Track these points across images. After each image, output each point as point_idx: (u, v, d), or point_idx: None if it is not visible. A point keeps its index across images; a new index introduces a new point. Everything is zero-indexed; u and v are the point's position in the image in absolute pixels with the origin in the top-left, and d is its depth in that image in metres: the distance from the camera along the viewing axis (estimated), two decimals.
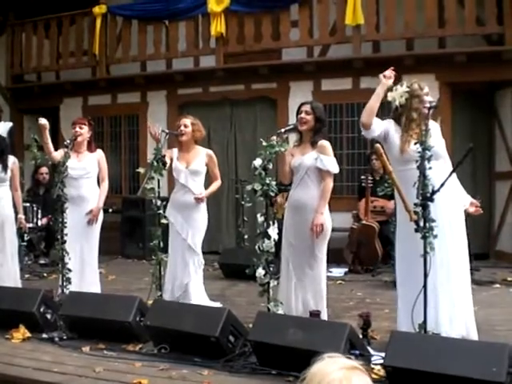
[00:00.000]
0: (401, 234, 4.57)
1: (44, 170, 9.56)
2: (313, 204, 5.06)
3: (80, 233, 6.13)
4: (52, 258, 8.67)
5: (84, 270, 6.18)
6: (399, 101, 4.44)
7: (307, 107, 5.19)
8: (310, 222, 5.04)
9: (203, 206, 6.04)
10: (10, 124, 7.44)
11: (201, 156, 6.07)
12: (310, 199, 5.08)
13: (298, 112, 5.24)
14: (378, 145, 4.32)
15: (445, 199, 4.23)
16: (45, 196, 9.31)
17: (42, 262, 9.03)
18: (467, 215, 4.64)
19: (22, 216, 6.75)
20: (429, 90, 4.56)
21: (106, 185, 6.43)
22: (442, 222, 4.22)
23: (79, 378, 4.09)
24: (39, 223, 9.03)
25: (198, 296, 5.93)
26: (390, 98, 4.48)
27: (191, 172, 5.99)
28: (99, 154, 6.45)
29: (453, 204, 4.40)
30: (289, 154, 5.21)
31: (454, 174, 4.48)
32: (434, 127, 4.51)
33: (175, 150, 6.14)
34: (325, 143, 5.13)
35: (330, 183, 5.11)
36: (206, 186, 6.23)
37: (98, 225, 6.30)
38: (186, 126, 6.03)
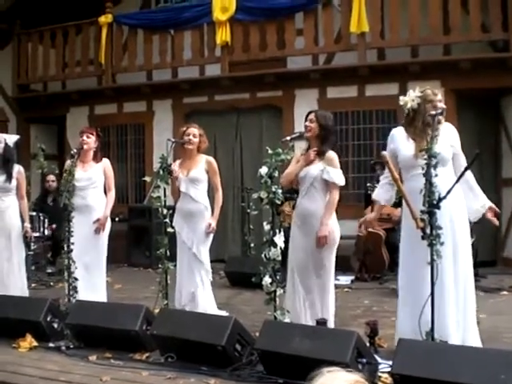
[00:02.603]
0: (402, 240, 4.58)
1: (50, 177, 9.57)
2: (319, 214, 5.08)
3: (87, 242, 6.13)
4: (59, 266, 8.67)
5: (91, 278, 6.17)
6: (411, 105, 4.43)
7: (312, 115, 5.23)
8: (315, 231, 5.05)
9: (208, 215, 6.02)
10: (17, 136, 7.48)
11: (201, 163, 6.06)
12: (316, 209, 5.10)
13: (306, 120, 5.28)
14: (384, 152, 4.31)
15: (448, 206, 4.21)
16: (53, 205, 9.29)
17: (49, 271, 9.03)
18: (476, 221, 4.62)
19: (27, 225, 6.73)
20: (441, 97, 4.55)
21: (112, 193, 6.42)
22: (445, 228, 4.21)
23: None
24: (46, 232, 9.03)
25: (206, 304, 5.91)
26: (401, 102, 4.48)
27: (191, 180, 5.98)
28: (105, 163, 6.45)
29: (456, 210, 4.38)
30: (296, 161, 5.22)
31: (473, 178, 4.47)
32: (449, 132, 4.51)
33: (178, 161, 6.14)
34: (332, 155, 5.15)
35: (336, 195, 5.12)
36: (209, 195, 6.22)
37: (105, 234, 6.30)
38: (194, 136, 6.03)
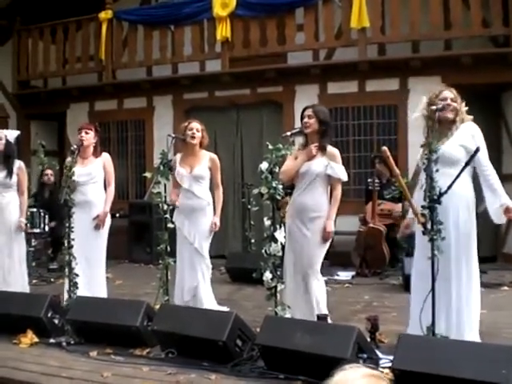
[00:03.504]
0: (417, 234, 4.58)
1: (49, 171, 9.52)
2: (319, 209, 5.09)
3: (87, 238, 6.11)
4: (60, 262, 8.67)
5: (91, 274, 6.16)
6: (422, 113, 4.50)
7: (309, 111, 5.19)
8: (314, 225, 5.07)
9: (210, 210, 6.02)
10: (18, 132, 7.49)
11: (204, 160, 6.04)
12: (315, 204, 5.10)
13: (302, 117, 5.24)
14: (384, 147, 4.31)
15: (451, 201, 4.20)
16: (49, 198, 9.25)
17: (50, 267, 9.03)
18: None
19: (22, 220, 6.67)
20: (451, 94, 4.52)
21: (112, 188, 6.38)
22: (448, 223, 4.21)
23: (87, 383, 4.09)
24: (46, 228, 9.00)
25: (206, 299, 5.92)
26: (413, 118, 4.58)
27: (194, 177, 5.96)
28: (105, 157, 6.41)
29: (459, 206, 4.37)
30: (293, 157, 5.21)
31: (494, 176, 4.44)
32: (466, 133, 4.47)
33: (178, 155, 6.13)
34: (335, 151, 5.17)
35: (340, 191, 5.17)
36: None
37: (105, 229, 6.28)
38: (197, 130, 6.02)
